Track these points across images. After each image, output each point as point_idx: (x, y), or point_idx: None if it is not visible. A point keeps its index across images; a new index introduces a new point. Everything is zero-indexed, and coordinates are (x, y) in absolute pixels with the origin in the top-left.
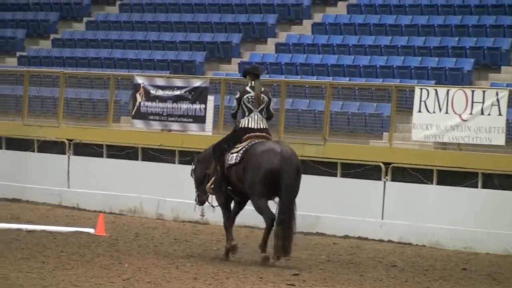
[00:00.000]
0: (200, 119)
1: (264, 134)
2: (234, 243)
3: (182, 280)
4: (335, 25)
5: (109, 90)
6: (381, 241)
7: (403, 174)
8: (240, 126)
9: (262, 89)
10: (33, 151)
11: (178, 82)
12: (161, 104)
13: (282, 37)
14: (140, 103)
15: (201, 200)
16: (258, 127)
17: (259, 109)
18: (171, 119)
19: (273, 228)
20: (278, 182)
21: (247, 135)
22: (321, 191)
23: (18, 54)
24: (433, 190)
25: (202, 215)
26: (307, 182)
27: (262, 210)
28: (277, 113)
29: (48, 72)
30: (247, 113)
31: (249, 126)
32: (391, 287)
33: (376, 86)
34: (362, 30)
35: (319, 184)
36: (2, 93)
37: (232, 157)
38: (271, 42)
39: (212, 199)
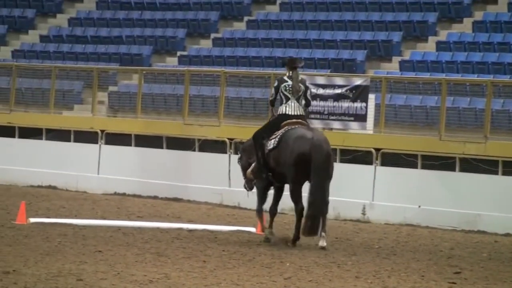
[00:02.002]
0: (361, 118)
1: (300, 120)
2: (268, 229)
3: (343, 278)
4: (495, 23)
5: (269, 89)
6: None
7: None
8: (278, 113)
9: (300, 78)
10: (194, 150)
11: (339, 81)
12: (322, 103)
13: (442, 35)
14: None
15: (250, 187)
16: (295, 114)
17: (296, 97)
18: (332, 117)
19: (302, 216)
20: (309, 167)
21: (285, 121)
22: (482, 189)
23: (179, 53)
24: None
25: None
26: (468, 180)
27: (295, 197)
28: (437, 111)
29: (209, 71)
30: (284, 101)
31: (287, 112)
32: None
33: None
34: None
35: (480, 182)
36: (163, 93)
37: (271, 143)
38: (431, 40)
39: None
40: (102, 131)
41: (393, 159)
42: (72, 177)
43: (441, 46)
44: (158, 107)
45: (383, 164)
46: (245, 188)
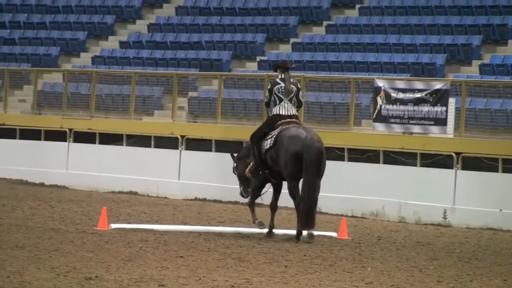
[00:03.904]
0: (441, 122)
1: (294, 120)
2: (258, 220)
3: (425, 283)
4: None
5: (349, 93)
6: None
7: None
8: (272, 113)
9: (291, 80)
10: None
11: (419, 85)
12: (402, 107)
13: None
14: (381, 106)
15: (246, 193)
16: (288, 114)
17: (288, 98)
18: (412, 121)
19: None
20: (302, 165)
21: (279, 122)
22: None
23: (258, 58)
24: None
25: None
26: None
27: (294, 193)
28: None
29: None
30: (278, 102)
31: (280, 113)
32: None
33: None
34: None
35: None
36: (243, 98)
37: (267, 143)
38: (511, 43)
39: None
40: (183, 136)
41: (474, 163)
42: (153, 183)
43: None
44: (238, 112)
45: (464, 168)
46: (242, 195)
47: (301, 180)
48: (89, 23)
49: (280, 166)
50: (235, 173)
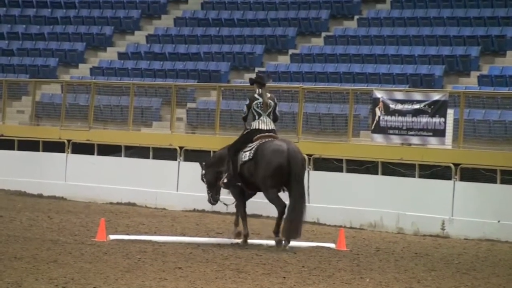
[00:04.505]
0: (439, 133)
1: (272, 134)
2: (246, 232)
3: None
4: None
5: (348, 104)
6: None
7: None
8: (251, 128)
9: (268, 95)
10: None
11: (417, 96)
12: (400, 118)
13: None
14: (379, 117)
15: (214, 200)
16: (267, 128)
17: (267, 113)
18: (410, 133)
19: (284, 214)
20: (286, 176)
21: (258, 135)
22: None
23: (256, 69)
24: None
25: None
26: None
27: (274, 200)
28: None
29: (287, 87)
30: (257, 117)
31: (260, 127)
32: None
33: None
34: None
35: None
36: (242, 109)
37: (245, 155)
38: (510, 54)
39: (229, 198)
40: (181, 147)
41: (472, 174)
42: (151, 194)
43: None
44: (236, 123)
45: (462, 179)
46: (210, 202)
47: (287, 190)
48: (87, 34)
49: (258, 178)
50: (203, 181)
